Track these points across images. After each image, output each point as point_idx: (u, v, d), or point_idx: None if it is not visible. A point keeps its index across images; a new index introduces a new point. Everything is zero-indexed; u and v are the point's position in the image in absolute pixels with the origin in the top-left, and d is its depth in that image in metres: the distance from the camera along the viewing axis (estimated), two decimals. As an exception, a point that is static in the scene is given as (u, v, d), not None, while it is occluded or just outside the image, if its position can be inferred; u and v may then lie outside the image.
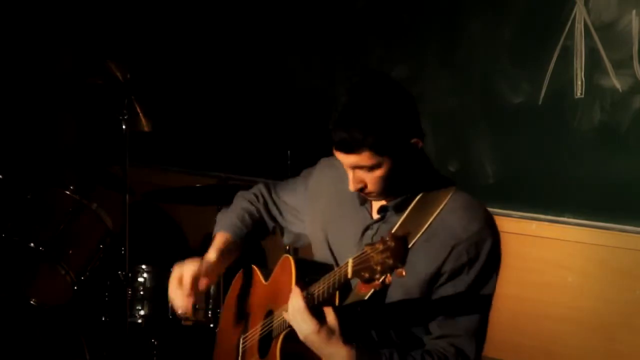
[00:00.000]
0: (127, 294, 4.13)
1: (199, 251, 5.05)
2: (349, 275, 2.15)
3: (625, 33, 3.43)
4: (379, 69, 4.09)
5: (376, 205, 2.45)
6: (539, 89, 3.68)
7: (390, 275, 2.06)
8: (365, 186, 2.34)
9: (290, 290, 2.37)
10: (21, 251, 4.20)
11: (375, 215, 2.46)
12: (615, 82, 3.47)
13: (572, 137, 3.62)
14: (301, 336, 2.29)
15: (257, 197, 2.81)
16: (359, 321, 2.35)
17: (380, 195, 2.38)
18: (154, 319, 4.24)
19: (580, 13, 3.54)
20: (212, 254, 2.68)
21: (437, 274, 2.33)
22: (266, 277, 2.69)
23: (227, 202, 4.18)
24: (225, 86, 4.92)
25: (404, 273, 2.04)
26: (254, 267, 2.80)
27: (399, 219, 2.39)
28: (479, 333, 2.37)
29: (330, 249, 2.52)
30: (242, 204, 2.81)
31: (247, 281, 2.81)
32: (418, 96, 4.00)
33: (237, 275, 2.88)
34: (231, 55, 4.87)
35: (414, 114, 2.33)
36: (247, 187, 4.57)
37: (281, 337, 2.42)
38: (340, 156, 2.31)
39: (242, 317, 2.76)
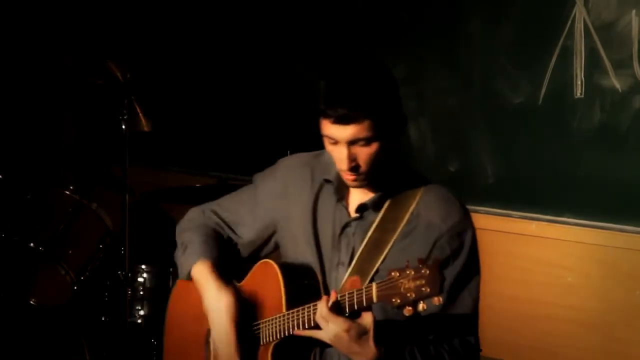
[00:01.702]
0: (127, 294, 4.13)
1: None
2: (374, 300, 2.15)
3: (625, 33, 3.43)
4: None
5: (353, 202, 2.45)
6: (539, 89, 3.68)
7: (425, 302, 2.06)
8: (358, 165, 2.32)
9: (277, 297, 2.37)
10: (21, 251, 4.20)
11: (353, 214, 2.45)
12: (615, 82, 3.47)
13: (572, 137, 3.62)
14: (330, 336, 2.25)
15: (207, 220, 2.71)
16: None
17: (366, 178, 2.36)
18: (153, 319, 4.23)
19: (580, 13, 3.54)
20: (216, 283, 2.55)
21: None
22: (238, 281, 2.60)
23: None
24: (225, 86, 4.91)
25: (440, 301, 2.06)
26: None
27: (376, 217, 2.40)
28: (474, 318, 2.40)
29: (316, 246, 2.49)
30: (198, 231, 2.69)
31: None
32: (418, 96, 4.05)
33: (179, 282, 2.76)
34: (231, 55, 4.86)
35: (398, 94, 2.35)
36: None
37: (272, 346, 2.40)
38: (337, 130, 2.27)
39: (205, 317, 2.60)
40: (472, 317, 2.39)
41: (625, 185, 3.50)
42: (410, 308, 2.08)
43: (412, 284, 2.06)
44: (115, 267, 4.17)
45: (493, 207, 3.88)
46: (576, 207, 3.65)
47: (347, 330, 2.22)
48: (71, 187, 4.33)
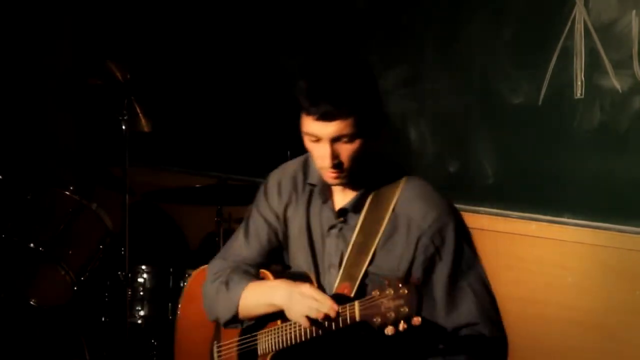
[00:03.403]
0: (127, 294, 4.13)
1: (199, 251, 5.07)
2: (357, 318, 2.15)
3: (625, 33, 3.43)
4: (382, 69, 4.10)
5: (337, 204, 2.45)
6: (539, 89, 3.68)
7: (404, 322, 2.06)
8: (340, 163, 2.31)
9: None
10: (21, 251, 4.20)
11: (336, 216, 2.46)
12: (615, 82, 3.47)
13: (572, 137, 3.61)
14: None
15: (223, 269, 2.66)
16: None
17: (348, 176, 2.35)
18: (153, 319, 4.24)
19: (580, 13, 3.54)
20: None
21: (409, 268, 2.33)
22: None
23: (227, 202, 4.22)
24: (225, 86, 4.91)
25: (419, 321, 2.05)
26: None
27: (358, 220, 2.39)
28: (487, 306, 2.36)
29: (310, 249, 2.50)
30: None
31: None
32: (418, 96, 4.05)
33: (195, 277, 2.79)
34: (231, 55, 4.86)
35: (378, 92, 2.36)
36: (247, 187, 4.59)
37: (269, 357, 2.40)
38: (321, 127, 2.27)
39: (209, 325, 2.65)
40: (487, 306, 2.35)
41: (625, 186, 3.49)
42: (391, 327, 2.07)
43: (391, 304, 2.06)
44: (115, 268, 4.17)
45: (493, 207, 3.88)
46: (576, 207, 3.65)
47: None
48: (71, 188, 4.33)
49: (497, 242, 3.79)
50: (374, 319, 2.09)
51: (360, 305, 2.14)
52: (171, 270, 4.24)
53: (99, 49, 5.33)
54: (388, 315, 2.06)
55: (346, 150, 2.30)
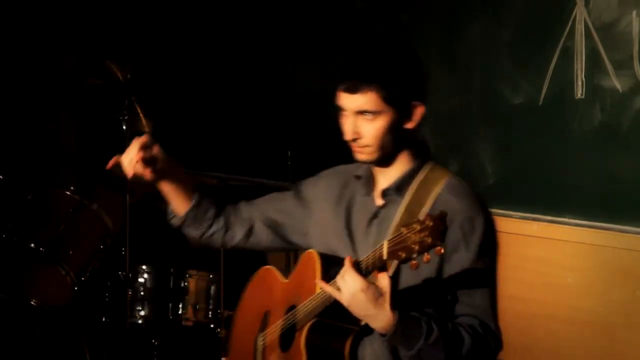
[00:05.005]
0: (128, 294, 4.13)
1: (199, 251, 5.06)
2: (384, 257, 2.19)
3: (625, 33, 3.43)
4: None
5: (379, 192, 2.49)
6: (539, 89, 3.68)
7: (428, 254, 2.10)
8: (360, 137, 2.39)
9: (314, 283, 2.41)
10: (21, 251, 4.20)
11: (379, 202, 2.49)
12: (616, 82, 3.47)
13: (573, 137, 3.61)
14: (346, 295, 2.26)
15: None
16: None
17: (374, 153, 2.41)
18: (154, 319, 4.24)
19: (580, 13, 3.54)
20: None
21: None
22: (286, 276, 2.69)
23: (227, 202, 4.21)
24: (225, 86, 4.91)
25: (442, 250, 2.10)
26: (271, 267, 2.80)
27: (402, 202, 2.43)
28: (493, 305, 2.41)
29: (350, 240, 2.53)
30: None
31: (263, 283, 2.81)
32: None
33: (253, 278, 2.87)
34: (231, 55, 4.86)
35: (420, 76, 2.47)
36: (247, 187, 4.59)
37: (306, 327, 2.42)
38: (346, 99, 2.38)
39: (259, 317, 2.75)
40: (490, 304, 2.40)
41: (626, 186, 3.50)
42: (415, 262, 2.12)
43: (417, 237, 2.10)
44: (116, 268, 4.18)
45: (493, 208, 3.82)
46: (576, 208, 3.65)
47: (364, 290, 2.23)
48: (71, 188, 4.34)
49: (497, 242, 3.79)
50: (399, 253, 2.13)
51: (388, 243, 2.17)
52: (172, 270, 4.25)
53: (99, 49, 5.33)
54: (412, 247, 2.10)
55: (369, 126, 2.38)
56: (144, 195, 4.51)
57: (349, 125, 2.39)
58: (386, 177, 2.49)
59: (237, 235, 2.76)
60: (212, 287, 4.17)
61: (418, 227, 2.10)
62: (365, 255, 2.33)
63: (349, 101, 2.37)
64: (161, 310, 4.23)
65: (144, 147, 2.57)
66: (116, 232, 4.37)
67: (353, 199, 2.56)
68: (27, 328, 4.27)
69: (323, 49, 4.47)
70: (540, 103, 3.69)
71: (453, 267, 2.37)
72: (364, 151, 2.42)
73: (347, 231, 2.54)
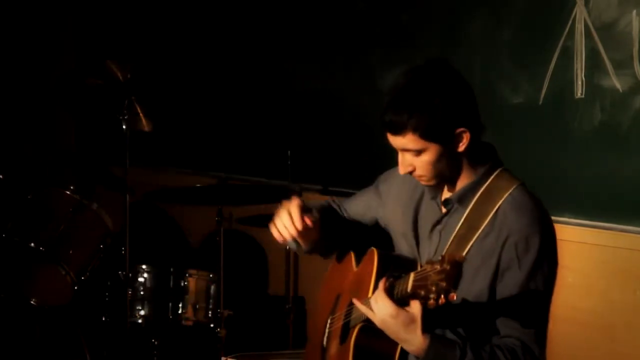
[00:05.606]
0: (128, 294, 4.13)
1: (200, 251, 5.06)
2: (409, 290, 2.18)
3: (625, 33, 3.44)
4: (382, 69, 4.11)
5: (442, 201, 2.50)
6: (539, 89, 3.68)
7: (444, 298, 2.10)
8: (414, 170, 2.40)
9: (370, 282, 2.43)
10: (21, 251, 4.20)
11: (443, 209, 2.49)
12: (616, 82, 3.47)
13: (573, 137, 3.62)
14: (378, 319, 2.29)
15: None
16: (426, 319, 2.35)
17: (431, 180, 2.42)
18: (154, 319, 4.23)
19: (580, 13, 3.55)
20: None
21: (496, 269, 2.36)
22: (357, 264, 2.72)
23: (228, 202, 4.22)
24: (225, 86, 4.92)
25: (455, 297, 2.09)
26: (351, 253, 2.80)
27: (463, 212, 2.42)
28: (541, 330, 2.41)
29: (415, 243, 2.55)
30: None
31: (342, 265, 2.83)
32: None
33: (342, 257, 2.89)
34: (231, 55, 4.87)
35: (466, 104, 2.42)
36: (247, 187, 4.59)
37: (356, 329, 2.45)
38: (389, 138, 2.38)
39: (333, 298, 2.78)
40: (537, 328, 2.39)
41: (626, 185, 3.50)
42: (432, 302, 2.12)
43: (436, 277, 2.10)
44: (116, 267, 4.17)
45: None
46: (576, 207, 3.65)
47: (393, 317, 2.25)
48: (71, 187, 4.33)
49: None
50: (419, 291, 2.14)
51: (414, 277, 2.18)
52: (172, 270, 4.24)
53: (99, 49, 5.34)
54: (431, 288, 2.10)
55: (417, 162, 2.38)
56: (144, 195, 4.52)
57: (401, 161, 2.41)
58: (451, 186, 2.49)
59: None
60: (212, 287, 4.16)
61: (438, 268, 2.09)
62: (425, 258, 2.38)
63: (393, 141, 2.38)
64: (161, 309, 4.23)
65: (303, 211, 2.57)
66: (116, 232, 4.36)
67: (421, 199, 2.57)
68: (27, 328, 4.27)
69: (323, 49, 4.48)
70: (540, 103, 3.69)
71: (504, 285, 2.36)
72: (422, 180, 2.44)
73: (413, 233, 2.55)
